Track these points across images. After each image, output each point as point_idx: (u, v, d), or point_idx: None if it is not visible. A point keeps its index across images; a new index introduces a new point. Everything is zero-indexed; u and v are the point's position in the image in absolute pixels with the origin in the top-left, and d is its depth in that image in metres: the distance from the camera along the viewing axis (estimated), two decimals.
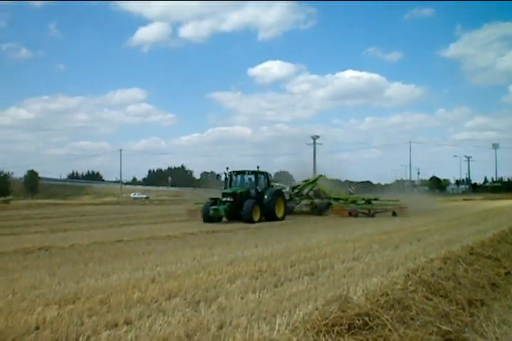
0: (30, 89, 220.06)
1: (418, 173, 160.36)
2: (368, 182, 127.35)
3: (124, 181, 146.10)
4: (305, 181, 43.58)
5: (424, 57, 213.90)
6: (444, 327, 7.18)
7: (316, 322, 6.69)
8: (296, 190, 42.18)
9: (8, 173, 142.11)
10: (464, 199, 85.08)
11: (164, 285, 10.34)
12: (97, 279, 11.24)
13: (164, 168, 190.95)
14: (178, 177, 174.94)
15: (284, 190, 38.99)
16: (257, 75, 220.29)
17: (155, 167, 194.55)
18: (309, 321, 6.92)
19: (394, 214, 36.87)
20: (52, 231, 26.35)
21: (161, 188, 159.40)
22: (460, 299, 8.98)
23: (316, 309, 7.91)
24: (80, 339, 6.89)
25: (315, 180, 43.13)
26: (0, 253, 16.35)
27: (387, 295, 8.26)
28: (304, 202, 42.03)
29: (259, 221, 31.93)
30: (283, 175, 60.91)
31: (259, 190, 34.31)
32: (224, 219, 32.98)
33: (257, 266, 12.75)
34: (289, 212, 37.63)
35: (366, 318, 6.83)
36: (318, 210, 39.53)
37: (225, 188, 35.27)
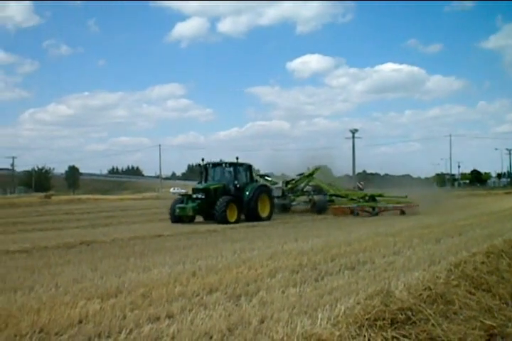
0: (70, 86, 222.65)
1: (458, 167, 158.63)
2: (408, 175, 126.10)
3: (164, 176, 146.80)
4: (299, 175, 38.66)
5: (464, 49, 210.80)
6: (488, 322, 7.08)
7: (359, 316, 6.65)
8: (289, 185, 37.61)
9: (50, 169, 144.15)
10: (506, 193, 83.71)
11: (205, 279, 10.38)
12: (139, 273, 11.33)
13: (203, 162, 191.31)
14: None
15: (276, 186, 35.98)
16: (295, 69, 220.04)
17: (194, 162, 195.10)
18: (351, 315, 6.87)
19: (402, 212, 32.65)
20: (94, 226, 26.64)
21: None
22: (503, 293, 8.86)
23: (358, 303, 7.86)
24: (123, 332, 6.92)
25: (311, 174, 37.96)
26: (43, 247, 16.57)
27: (430, 289, 8.17)
28: (303, 198, 37.72)
29: (236, 222, 27.56)
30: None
31: (239, 186, 29.73)
32: (201, 219, 29.35)
33: (297, 260, 12.74)
34: (283, 210, 35.18)
35: (409, 313, 6.77)
36: (318, 208, 35.34)
37: (199, 183, 31.29)
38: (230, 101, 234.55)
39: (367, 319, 6.53)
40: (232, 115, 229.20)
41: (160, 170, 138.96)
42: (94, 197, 76.55)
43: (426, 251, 14.23)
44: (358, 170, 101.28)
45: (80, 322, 7.55)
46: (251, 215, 29.31)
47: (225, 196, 28.46)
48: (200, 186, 29.72)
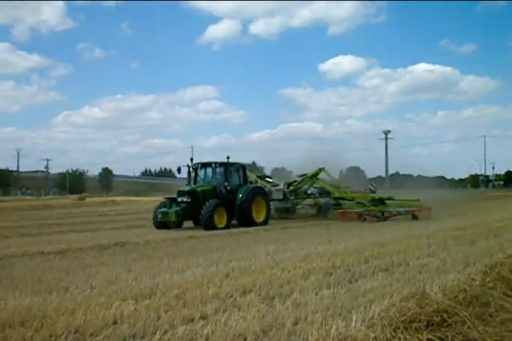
0: (103, 89, 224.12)
1: (493, 168, 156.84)
2: (442, 177, 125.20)
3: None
4: (302, 176, 36.01)
5: (497, 49, 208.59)
6: None
7: (394, 318, 6.61)
8: (291, 187, 34.96)
9: (84, 171, 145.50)
10: None
11: (238, 281, 10.37)
12: (172, 274, 11.36)
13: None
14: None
15: (277, 188, 33.85)
16: (327, 70, 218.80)
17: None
18: (386, 317, 6.84)
19: (414, 217, 29.94)
20: (127, 227, 26.87)
21: None
22: None
23: (393, 305, 7.80)
24: (157, 333, 6.94)
25: (314, 175, 35.14)
26: (77, 249, 16.73)
27: (465, 291, 8.10)
28: (308, 201, 35.83)
29: (226, 227, 25.27)
30: (281, 171, 52.90)
31: (230, 188, 27.48)
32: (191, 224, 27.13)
33: (330, 261, 12.68)
34: (286, 214, 33.71)
35: (445, 315, 6.72)
36: (323, 212, 33.54)
37: (187, 185, 28.82)
38: (262, 103, 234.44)
39: (402, 321, 6.50)
40: (264, 117, 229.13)
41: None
42: (128, 198, 77.01)
43: (460, 253, 14.07)
44: (391, 171, 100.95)
45: (115, 322, 7.59)
46: (244, 220, 27.11)
47: (213, 199, 26.12)
48: (185, 188, 27.42)
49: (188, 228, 25.92)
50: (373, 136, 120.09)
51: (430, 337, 6.22)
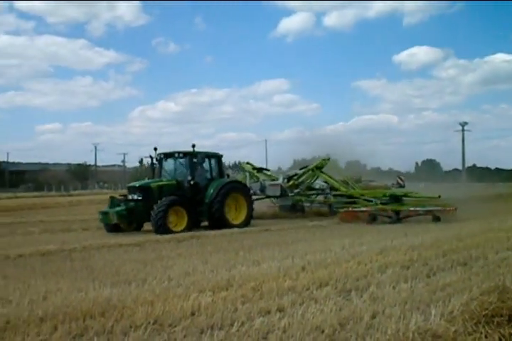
0: (178, 83, 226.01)
1: None
2: None
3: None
4: (303, 168, 31.36)
5: None
6: None
7: (475, 312, 6.47)
8: (291, 182, 30.26)
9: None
10: None
11: (314, 274, 10.35)
12: (248, 267, 11.42)
13: (309, 157, 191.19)
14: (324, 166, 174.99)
15: (272, 182, 29.57)
16: (402, 62, 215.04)
17: (300, 157, 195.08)
18: (467, 311, 6.70)
19: (436, 218, 23.79)
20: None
21: None
22: None
23: (472, 299, 7.64)
24: (235, 325, 6.98)
25: (318, 167, 30.39)
26: (154, 241, 17.04)
27: None
28: (319, 198, 31.02)
29: (185, 230, 20.93)
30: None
31: (193, 182, 22.89)
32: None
33: (407, 255, 12.52)
34: (291, 212, 29.52)
35: None
36: (332, 210, 28.78)
37: (149, 179, 24.64)
38: (335, 95, 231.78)
39: (484, 315, 6.35)
40: (338, 109, 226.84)
41: (266, 165, 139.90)
42: None
43: None
44: (468, 164, 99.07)
45: (193, 314, 7.67)
46: (216, 221, 22.47)
47: (167, 197, 21.74)
48: (136, 184, 23.61)
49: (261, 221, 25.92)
50: (449, 128, 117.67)
51: None
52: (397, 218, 24.61)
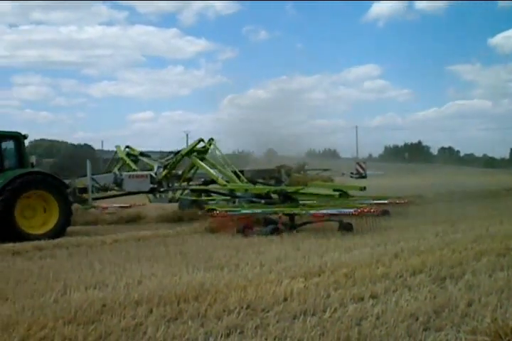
0: (268, 70, 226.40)
1: None
2: None
3: (360, 158, 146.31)
4: (171, 153, 24.34)
5: None
6: None
7: None
8: (164, 172, 22.38)
9: (249, 152, 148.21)
10: None
11: (407, 261, 10.24)
12: (340, 253, 11.39)
13: (400, 144, 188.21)
14: (415, 153, 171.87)
15: (139, 173, 22.36)
16: (497, 45, 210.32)
17: (391, 143, 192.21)
18: None
19: (345, 227, 15.70)
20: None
21: (397, 165, 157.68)
22: None
23: None
24: (327, 311, 6.97)
25: (192, 151, 22.89)
26: None
27: None
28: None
29: None
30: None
31: None
32: None
33: (503, 243, 12.20)
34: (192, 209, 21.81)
35: None
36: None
37: None
38: (428, 80, 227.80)
39: None
40: (430, 95, 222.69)
41: (357, 151, 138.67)
42: None
43: None
44: None
45: (285, 299, 7.70)
46: (2, 230, 15.47)
47: None
48: None
49: None
50: None
51: None
52: (293, 225, 16.71)
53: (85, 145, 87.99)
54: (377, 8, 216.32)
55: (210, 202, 21.87)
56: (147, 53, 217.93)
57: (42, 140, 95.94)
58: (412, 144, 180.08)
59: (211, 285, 8.53)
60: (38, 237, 15.17)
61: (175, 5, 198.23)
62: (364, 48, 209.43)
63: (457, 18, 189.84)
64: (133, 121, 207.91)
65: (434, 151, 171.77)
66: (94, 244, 14.05)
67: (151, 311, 7.12)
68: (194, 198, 22.95)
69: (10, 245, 13.50)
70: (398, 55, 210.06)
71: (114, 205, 24.29)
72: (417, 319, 6.57)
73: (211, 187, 22.93)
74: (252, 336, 6.10)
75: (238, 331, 6.27)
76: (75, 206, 19.33)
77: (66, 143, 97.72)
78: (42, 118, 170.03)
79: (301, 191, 20.85)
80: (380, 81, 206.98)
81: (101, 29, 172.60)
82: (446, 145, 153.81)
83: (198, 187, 23.38)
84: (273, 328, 6.29)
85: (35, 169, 18.09)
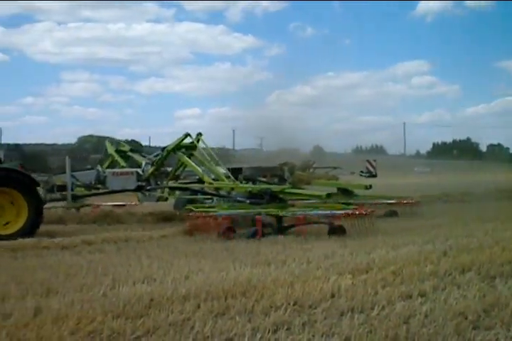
0: (315, 67, 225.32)
1: None
2: None
3: (408, 155, 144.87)
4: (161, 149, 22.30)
5: None
6: None
7: None
8: (151, 169, 21.16)
9: (295, 149, 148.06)
10: None
11: (456, 259, 10.12)
12: (388, 251, 11.29)
13: (449, 140, 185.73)
14: (464, 150, 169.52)
15: (124, 170, 21.61)
16: None
17: (439, 140, 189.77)
18: None
19: (335, 230, 14.51)
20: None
21: (445, 161, 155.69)
22: None
23: None
24: (375, 308, 6.91)
25: (179, 147, 21.59)
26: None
27: None
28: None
29: None
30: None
31: None
32: None
33: None
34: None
35: None
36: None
37: None
38: (477, 76, 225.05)
39: None
40: (479, 91, 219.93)
41: (404, 148, 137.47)
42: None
43: None
44: None
45: (333, 296, 7.66)
46: None
47: None
48: None
49: None
50: None
51: None
52: (280, 228, 15.34)
53: (132, 140, 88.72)
54: (425, 4, 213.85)
55: (207, 201, 20.62)
56: (195, 50, 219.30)
57: (90, 136, 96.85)
58: (460, 141, 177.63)
59: (258, 281, 8.52)
60: (9, 237, 13.92)
61: (222, 4, 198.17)
62: (412, 44, 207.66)
63: (507, 13, 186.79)
64: (180, 118, 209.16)
65: (483, 148, 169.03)
66: (142, 239, 14.18)
67: (198, 306, 7.14)
68: (190, 197, 21.20)
69: (59, 239, 13.68)
70: (447, 50, 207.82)
71: (109, 203, 22.89)
72: (466, 317, 6.48)
73: (193, 185, 21.37)
74: (299, 332, 6.08)
75: (285, 327, 6.24)
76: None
77: (113, 139, 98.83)
78: (90, 115, 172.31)
79: (286, 190, 19.57)
80: (428, 77, 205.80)
81: (149, 26, 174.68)
82: (495, 142, 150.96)
83: (177, 185, 21.78)
84: (320, 325, 6.27)
85: (4, 165, 16.74)
